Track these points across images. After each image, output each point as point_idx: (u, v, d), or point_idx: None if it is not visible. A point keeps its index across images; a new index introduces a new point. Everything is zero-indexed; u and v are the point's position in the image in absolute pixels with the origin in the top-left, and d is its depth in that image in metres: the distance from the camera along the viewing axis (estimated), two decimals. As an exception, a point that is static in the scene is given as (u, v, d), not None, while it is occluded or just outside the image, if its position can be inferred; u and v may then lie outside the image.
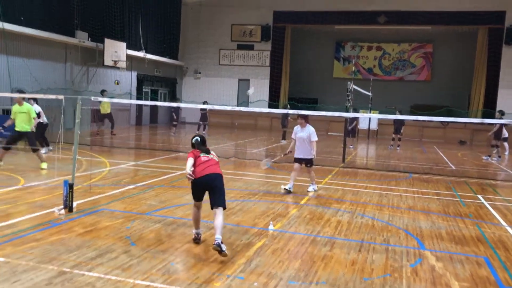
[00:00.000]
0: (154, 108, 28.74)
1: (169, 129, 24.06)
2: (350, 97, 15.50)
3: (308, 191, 9.67)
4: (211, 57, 32.01)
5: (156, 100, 28.59)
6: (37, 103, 12.93)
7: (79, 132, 7.58)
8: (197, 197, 5.98)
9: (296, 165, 9.65)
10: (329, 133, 28.35)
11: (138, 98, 26.31)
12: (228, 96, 31.31)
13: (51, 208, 7.11)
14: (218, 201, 5.66)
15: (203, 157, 5.91)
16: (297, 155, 9.62)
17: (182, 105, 22.87)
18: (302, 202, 8.78)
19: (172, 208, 7.76)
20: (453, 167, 15.27)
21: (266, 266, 5.26)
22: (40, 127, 12.98)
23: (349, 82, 15.58)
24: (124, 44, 23.92)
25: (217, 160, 6.00)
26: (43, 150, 12.48)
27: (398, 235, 6.86)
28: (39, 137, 12.85)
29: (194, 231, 6.05)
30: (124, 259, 5.24)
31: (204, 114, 22.55)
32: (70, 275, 4.71)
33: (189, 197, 8.42)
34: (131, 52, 25.12)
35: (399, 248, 6.23)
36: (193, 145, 6.10)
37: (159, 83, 29.97)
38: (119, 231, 6.27)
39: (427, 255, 5.98)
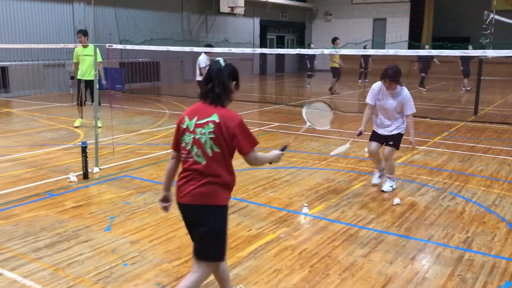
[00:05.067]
0: (280, 56, 27.30)
1: (298, 79, 22.60)
2: (489, 31, 12.18)
3: (383, 189, 5.79)
4: (344, -5, 29.15)
5: (282, 47, 27.00)
6: None
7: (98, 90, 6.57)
8: None
9: (373, 145, 5.78)
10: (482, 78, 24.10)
11: (261, 46, 25.12)
12: (362, 40, 28.37)
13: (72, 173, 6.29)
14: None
15: None
16: (377, 129, 5.83)
17: (329, 51, 21.15)
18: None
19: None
20: None
21: (248, 279, 3.63)
22: None
23: (486, 12, 12.16)
24: (241, -12, 22.65)
25: None
26: None
27: (493, 232, 4.58)
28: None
29: None
30: (74, 252, 4.07)
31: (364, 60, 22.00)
32: (-16, 275, 3.69)
33: (238, 161, 6.81)
34: (251, -3, 23.79)
35: (481, 257, 4.03)
36: None
37: (285, 29, 28.30)
38: (112, 208, 5.14)
39: (525, 276, 3.73)
